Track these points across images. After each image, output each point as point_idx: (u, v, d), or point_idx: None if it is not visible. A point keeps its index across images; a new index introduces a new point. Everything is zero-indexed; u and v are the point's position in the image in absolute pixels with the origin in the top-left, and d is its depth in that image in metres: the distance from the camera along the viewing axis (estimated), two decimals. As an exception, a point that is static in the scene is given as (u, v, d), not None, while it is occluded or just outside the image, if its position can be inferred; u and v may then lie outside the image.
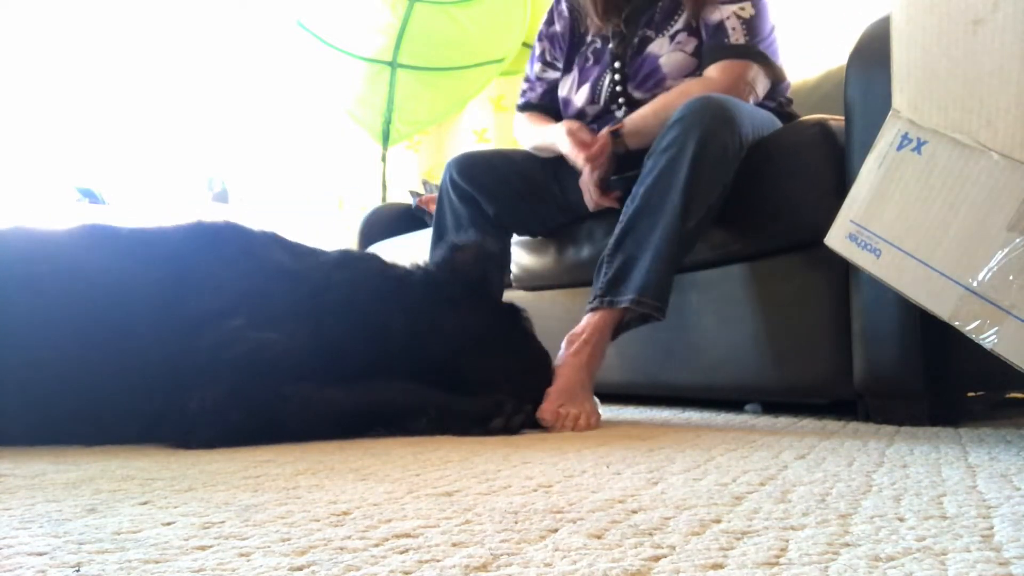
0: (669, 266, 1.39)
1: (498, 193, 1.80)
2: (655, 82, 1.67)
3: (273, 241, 1.36)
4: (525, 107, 1.94)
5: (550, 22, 1.90)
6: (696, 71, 1.64)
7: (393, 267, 1.41)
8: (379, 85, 3.80)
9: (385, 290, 1.34)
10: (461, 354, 1.32)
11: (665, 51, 1.66)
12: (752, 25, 1.58)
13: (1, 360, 1.12)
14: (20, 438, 1.13)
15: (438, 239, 1.87)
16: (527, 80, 1.95)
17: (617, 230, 1.46)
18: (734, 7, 1.59)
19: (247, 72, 3.91)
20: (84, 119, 3.59)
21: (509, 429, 1.21)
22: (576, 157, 1.65)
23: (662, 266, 1.38)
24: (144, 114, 3.74)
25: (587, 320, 1.43)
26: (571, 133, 1.68)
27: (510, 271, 2.07)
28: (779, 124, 1.60)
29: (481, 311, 1.39)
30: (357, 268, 1.36)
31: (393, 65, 3.78)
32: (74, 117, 3.56)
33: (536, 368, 1.40)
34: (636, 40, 1.70)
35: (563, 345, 1.42)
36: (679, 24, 1.66)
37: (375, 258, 1.42)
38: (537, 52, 1.92)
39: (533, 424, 1.28)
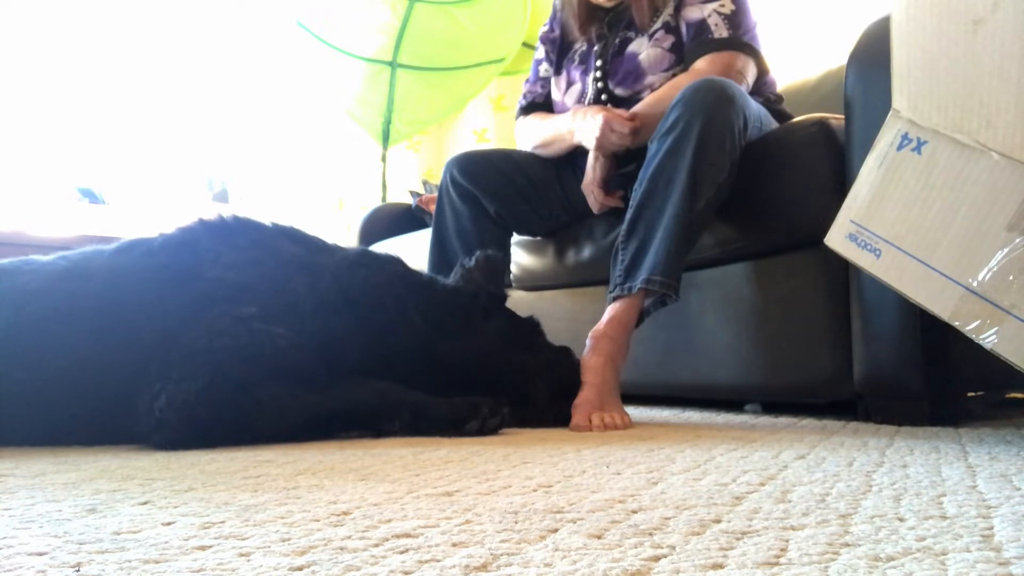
0: (680, 246, 1.38)
1: (499, 191, 1.80)
2: (634, 78, 1.69)
3: (284, 234, 1.34)
4: (529, 108, 1.93)
5: (551, 29, 1.93)
6: (674, 66, 1.66)
7: (416, 272, 1.42)
8: (379, 85, 3.80)
9: (408, 294, 1.34)
10: (491, 360, 1.35)
11: (644, 48, 1.69)
12: (734, 20, 1.60)
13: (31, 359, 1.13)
14: (22, 440, 1.13)
15: (438, 239, 1.85)
16: (528, 83, 1.95)
17: (628, 216, 1.46)
18: (714, 4, 1.62)
19: (247, 72, 3.91)
20: (84, 119, 3.59)
21: (484, 431, 1.20)
22: (596, 115, 1.61)
23: (672, 246, 1.37)
24: (144, 114, 3.74)
25: (608, 313, 1.43)
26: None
27: (510, 271, 2.06)
28: (773, 120, 1.61)
29: (505, 320, 1.43)
30: (378, 269, 1.35)
31: (393, 65, 3.78)
32: (74, 117, 3.56)
33: (560, 367, 1.42)
34: (617, 41, 1.74)
35: (587, 343, 1.42)
36: (657, 24, 1.69)
37: (397, 261, 1.41)
38: (541, 54, 1.94)
39: (509, 425, 1.27)
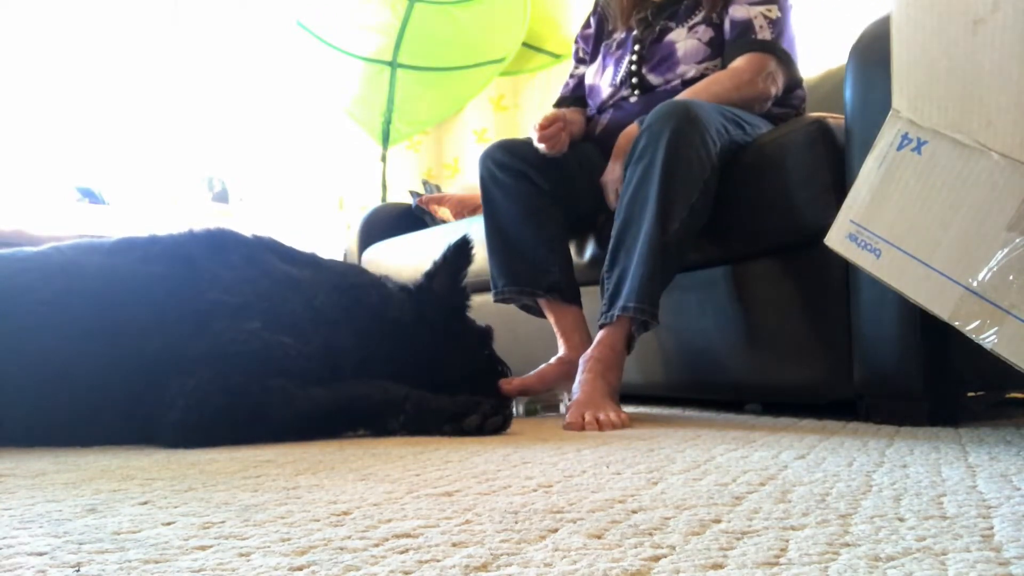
0: (655, 271, 1.41)
1: (549, 170, 1.72)
2: (668, 66, 1.74)
3: (268, 248, 1.37)
4: (559, 103, 2.00)
5: (587, 25, 1.99)
6: (707, 59, 1.70)
7: (388, 301, 1.44)
8: (379, 85, 3.80)
9: (381, 321, 1.40)
10: (438, 379, 1.39)
11: (682, 39, 1.73)
12: (777, 26, 1.66)
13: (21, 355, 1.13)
14: (25, 438, 1.13)
15: (495, 230, 1.74)
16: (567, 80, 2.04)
17: (610, 246, 1.50)
18: (761, 8, 1.66)
19: (247, 72, 3.90)
20: (84, 119, 3.59)
21: (483, 430, 1.20)
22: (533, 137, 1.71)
23: (647, 273, 1.41)
24: (144, 114, 3.73)
25: (596, 338, 1.48)
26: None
27: (570, 258, 1.80)
28: (760, 121, 1.62)
29: (456, 338, 1.48)
30: (354, 298, 1.39)
31: (393, 65, 3.78)
32: (74, 117, 3.56)
33: (490, 374, 1.53)
34: (658, 28, 1.78)
35: (579, 367, 1.47)
36: (699, 17, 1.74)
37: (372, 288, 1.45)
38: (573, 52, 2.02)
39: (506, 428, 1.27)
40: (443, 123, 4.14)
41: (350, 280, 1.41)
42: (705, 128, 1.43)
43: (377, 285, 1.45)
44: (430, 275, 1.48)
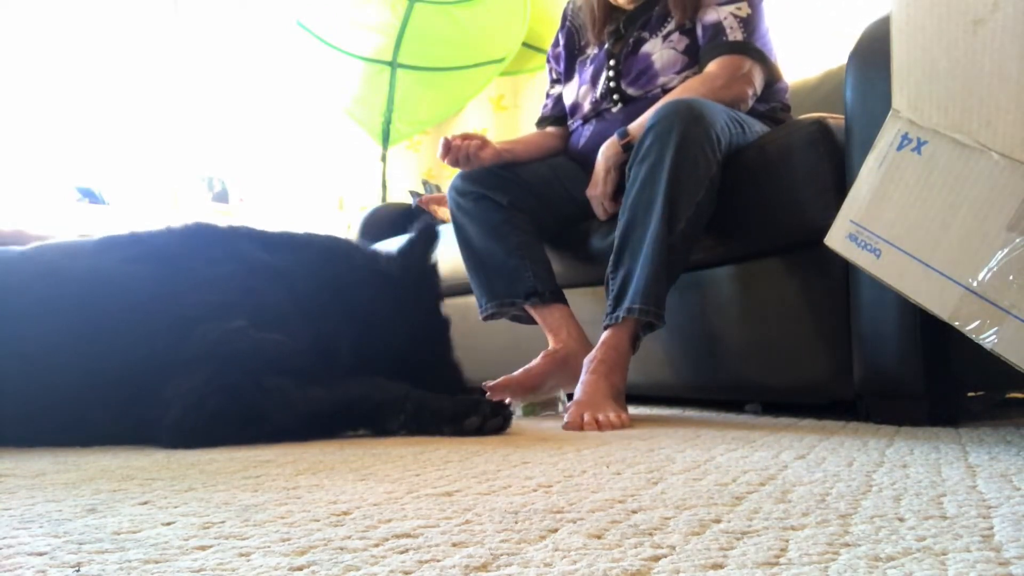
0: (661, 272, 1.41)
1: (505, 187, 1.78)
2: (647, 78, 1.72)
3: (248, 237, 1.36)
4: (540, 123, 2.02)
5: (555, 44, 1.99)
6: (686, 67, 1.69)
7: (370, 264, 1.44)
8: (379, 85, 3.80)
9: (367, 303, 1.38)
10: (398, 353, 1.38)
11: (658, 50, 1.72)
12: (749, 24, 1.63)
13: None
14: (14, 440, 1.13)
15: (466, 251, 1.81)
16: (545, 99, 2.04)
17: (615, 246, 1.49)
18: (731, 7, 1.64)
19: (247, 72, 3.91)
20: (84, 119, 3.59)
21: (483, 430, 1.20)
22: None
23: (652, 273, 1.41)
24: (144, 114, 3.74)
25: (601, 339, 1.47)
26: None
27: (548, 262, 1.82)
28: (755, 120, 1.61)
29: (426, 320, 1.46)
30: (335, 277, 1.38)
31: (393, 65, 3.78)
32: (74, 117, 3.56)
33: (443, 375, 1.48)
34: (631, 41, 1.76)
35: (583, 368, 1.46)
36: (671, 25, 1.72)
37: (352, 269, 1.44)
38: (547, 71, 2.02)
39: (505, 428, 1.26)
40: (443, 123, 4.14)
41: (328, 258, 1.39)
42: (711, 125, 1.43)
43: (354, 266, 1.43)
44: (404, 252, 1.48)
